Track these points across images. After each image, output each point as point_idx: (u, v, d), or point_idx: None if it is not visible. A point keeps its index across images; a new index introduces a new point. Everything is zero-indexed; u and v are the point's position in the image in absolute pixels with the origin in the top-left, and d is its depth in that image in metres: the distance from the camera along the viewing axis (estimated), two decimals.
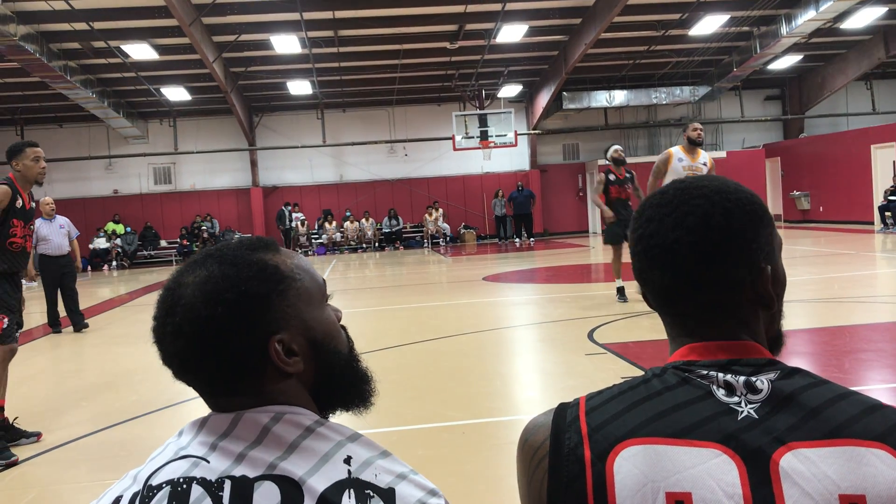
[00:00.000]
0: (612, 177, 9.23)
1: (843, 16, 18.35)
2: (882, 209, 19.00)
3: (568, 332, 7.51)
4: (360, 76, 22.06)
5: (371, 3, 16.41)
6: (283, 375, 0.93)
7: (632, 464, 0.86)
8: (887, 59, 22.13)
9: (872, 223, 19.62)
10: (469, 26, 18.16)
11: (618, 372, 5.56)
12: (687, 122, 7.23)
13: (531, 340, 7.64)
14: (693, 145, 7.11)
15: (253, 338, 0.91)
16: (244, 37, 17.54)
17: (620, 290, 9.12)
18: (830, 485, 0.82)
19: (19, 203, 4.85)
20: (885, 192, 19.13)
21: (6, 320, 4.82)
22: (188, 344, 0.91)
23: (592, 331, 7.30)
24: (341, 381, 0.99)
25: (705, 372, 0.90)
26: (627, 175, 9.29)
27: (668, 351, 0.99)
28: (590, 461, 0.88)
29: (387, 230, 24.58)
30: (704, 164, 7.17)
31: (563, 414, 0.94)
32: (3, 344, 4.84)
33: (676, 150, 7.16)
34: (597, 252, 18.94)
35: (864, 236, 17.41)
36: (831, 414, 0.86)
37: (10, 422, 4.86)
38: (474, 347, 7.15)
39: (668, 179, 6.86)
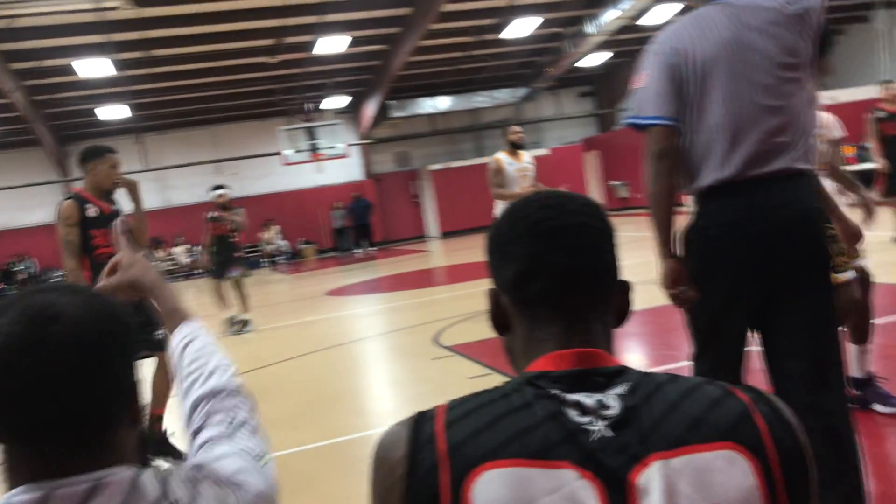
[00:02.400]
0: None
1: (643, 13, 19.60)
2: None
3: (414, 339, 7.56)
4: (178, 96, 21.28)
5: (182, 22, 15.85)
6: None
7: (491, 488, 0.83)
8: None
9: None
10: (288, 39, 17.92)
11: (464, 373, 5.65)
12: (507, 125, 7.44)
13: (378, 351, 7.63)
14: (515, 148, 7.34)
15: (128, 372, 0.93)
16: (47, 62, 16.46)
17: None
18: (686, 501, 0.82)
19: (92, 212, 4.36)
20: None
21: None
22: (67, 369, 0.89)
23: (437, 334, 7.38)
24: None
25: (556, 392, 0.89)
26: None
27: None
28: (448, 485, 0.84)
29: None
30: (529, 164, 7.42)
31: (421, 428, 0.89)
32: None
33: (503, 156, 7.37)
34: (437, 255, 19.22)
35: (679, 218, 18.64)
36: (678, 418, 0.86)
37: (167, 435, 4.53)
38: (322, 366, 7.05)
39: (510, 186, 7.04)
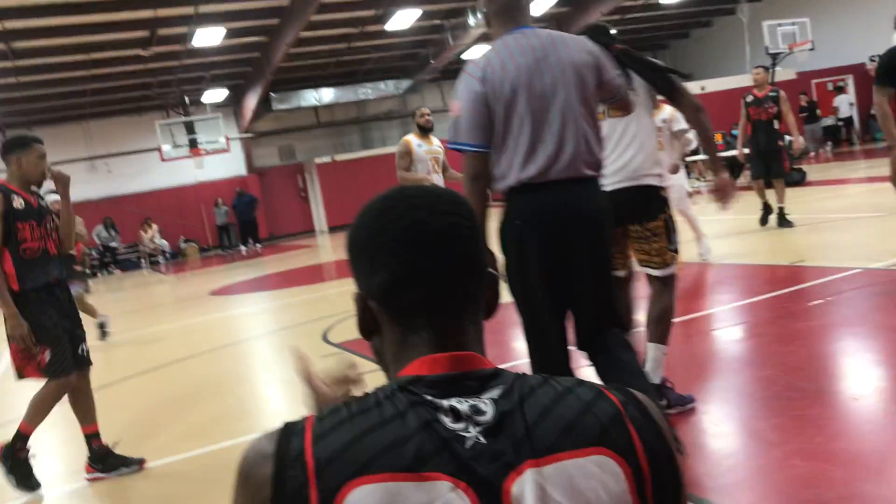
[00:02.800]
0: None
1: None
2: None
3: (303, 337, 7.46)
4: (45, 91, 20.19)
5: (47, 12, 15.03)
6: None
7: None
8: None
9: None
10: (162, 31, 17.29)
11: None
12: (415, 110, 7.24)
13: (266, 351, 7.49)
14: (424, 132, 7.20)
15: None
16: None
17: None
18: None
19: (19, 203, 4.03)
20: None
21: (48, 353, 3.99)
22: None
23: (326, 331, 7.31)
24: None
25: (430, 398, 0.87)
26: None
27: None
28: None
29: (106, 243, 22.47)
30: (439, 147, 7.28)
31: (288, 444, 0.85)
32: (54, 378, 4.00)
33: (412, 138, 7.24)
34: (325, 250, 19.03)
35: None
36: (552, 423, 0.86)
37: (110, 447, 4.23)
38: (206, 369, 6.86)
39: (416, 168, 6.88)
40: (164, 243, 23.48)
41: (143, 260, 23.04)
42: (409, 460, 0.82)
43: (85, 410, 4.26)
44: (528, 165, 2.66)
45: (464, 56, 23.80)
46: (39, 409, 4.06)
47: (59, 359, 4.03)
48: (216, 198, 23.89)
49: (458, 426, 0.85)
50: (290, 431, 0.86)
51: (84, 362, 4.25)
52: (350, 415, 0.86)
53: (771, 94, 9.23)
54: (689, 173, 14.53)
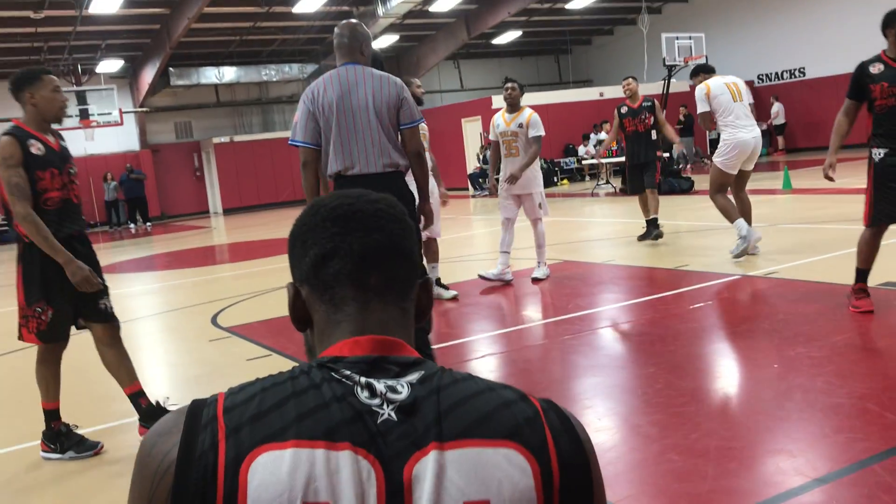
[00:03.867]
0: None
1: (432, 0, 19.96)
2: (473, 176, 21.19)
3: (191, 320, 7.28)
4: None
5: None
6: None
7: (269, 471, 0.80)
8: (469, 41, 24.60)
9: (467, 188, 21.81)
10: None
11: (243, 355, 5.52)
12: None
13: (152, 332, 7.26)
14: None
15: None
16: None
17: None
18: (456, 492, 0.82)
19: (37, 148, 3.66)
20: (478, 157, 21.36)
21: (50, 313, 3.71)
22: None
23: (216, 315, 7.15)
24: None
25: (348, 372, 0.88)
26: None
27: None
28: (223, 467, 0.80)
29: None
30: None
31: (198, 414, 0.85)
32: (49, 342, 3.80)
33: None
34: (219, 232, 18.57)
35: (462, 201, 19.30)
36: (464, 413, 0.86)
37: (70, 428, 3.95)
38: (88, 347, 6.59)
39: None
40: None
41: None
42: (319, 430, 0.82)
43: (124, 370, 4.06)
44: (337, 161, 3.85)
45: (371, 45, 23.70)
46: (45, 382, 3.92)
47: (59, 322, 3.80)
48: (106, 172, 22.94)
49: (373, 402, 0.86)
50: (199, 405, 0.87)
51: (107, 317, 3.99)
52: (262, 388, 0.87)
53: (645, 104, 8.93)
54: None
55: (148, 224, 22.36)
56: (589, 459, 0.90)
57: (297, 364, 0.92)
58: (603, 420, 3.75)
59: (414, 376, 0.89)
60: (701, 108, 7.34)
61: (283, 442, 0.81)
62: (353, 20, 4.07)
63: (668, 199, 14.07)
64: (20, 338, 3.88)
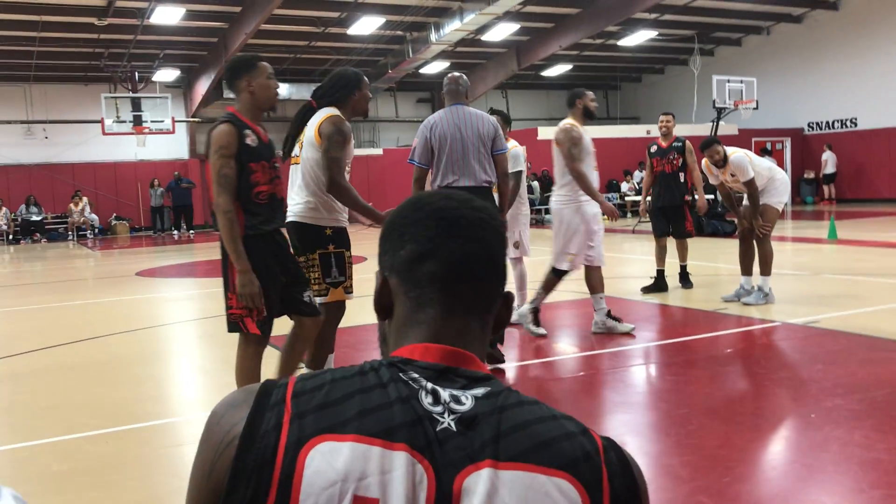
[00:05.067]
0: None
1: (483, 29, 20.15)
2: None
3: (226, 327, 7.34)
4: None
5: None
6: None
7: (326, 460, 0.81)
8: (519, 72, 24.74)
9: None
10: (120, 3, 16.96)
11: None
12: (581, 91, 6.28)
13: (188, 338, 7.35)
14: (589, 118, 6.32)
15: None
16: None
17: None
18: None
19: (252, 139, 3.62)
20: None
21: (266, 305, 3.66)
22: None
23: None
24: None
25: (416, 375, 0.89)
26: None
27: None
28: (283, 448, 0.82)
29: (27, 218, 22.00)
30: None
31: (269, 394, 0.87)
32: (263, 333, 3.75)
33: (577, 126, 6.25)
34: None
35: None
36: (525, 436, 0.86)
37: None
38: (124, 349, 6.70)
39: (586, 161, 6.12)
40: (95, 218, 22.88)
41: (69, 232, 22.38)
42: (380, 427, 0.84)
43: (294, 362, 4.04)
44: (448, 176, 4.95)
45: (421, 70, 23.93)
46: (250, 378, 3.83)
47: (269, 316, 3.74)
48: (153, 178, 23.38)
49: (436, 409, 0.86)
50: (271, 385, 0.89)
51: (311, 311, 3.93)
52: (333, 378, 0.89)
53: (675, 143, 8.38)
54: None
55: (191, 231, 22.70)
56: (642, 502, 0.90)
57: (370, 360, 0.93)
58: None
59: (480, 391, 0.90)
60: (748, 175, 6.97)
61: (343, 434, 0.83)
62: (458, 73, 5.21)
63: (710, 241, 13.94)
64: (234, 330, 3.79)
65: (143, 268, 13.64)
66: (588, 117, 6.26)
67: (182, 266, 14.19)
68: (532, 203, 18.73)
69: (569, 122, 6.18)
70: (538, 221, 20.36)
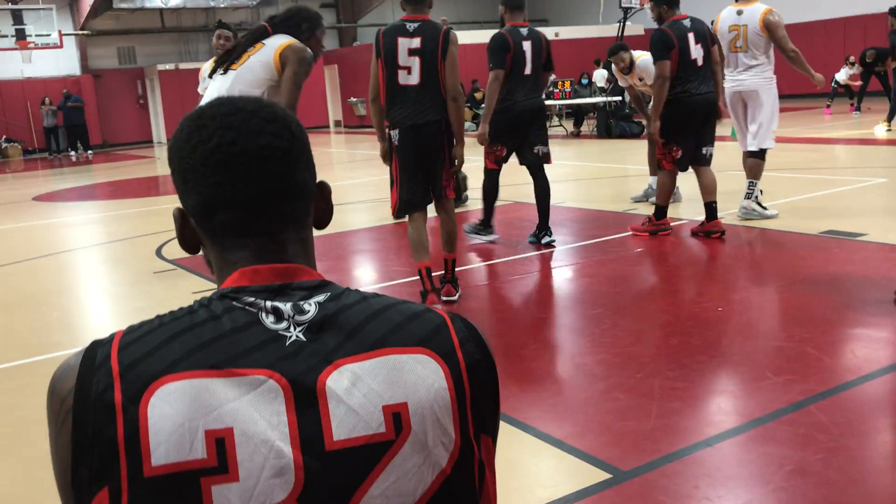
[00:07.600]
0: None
1: None
2: None
3: (135, 251, 7.13)
4: None
5: None
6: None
7: (168, 403, 0.78)
8: None
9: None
10: None
11: (188, 287, 5.44)
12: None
13: (94, 263, 7.10)
14: None
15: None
16: None
17: None
18: (375, 397, 0.84)
19: None
20: None
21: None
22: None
23: (161, 247, 7.01)
24: None
25: (252, 299, 0.86)
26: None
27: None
28: (121, 405, 0.78)
29: None
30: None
31: (93, 355, 0.83)
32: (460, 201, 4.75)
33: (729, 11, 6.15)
34: (163, 162, 18.13)
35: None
36: (376, 326, 0.88)
37: None
38: (27, 278, 6.43)
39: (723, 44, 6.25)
40: None
41: None
42: (220, 358, 0.82)
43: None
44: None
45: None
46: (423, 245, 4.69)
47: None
48: (44, 97, 22.08)
49: (279, 326, 0.85)
50: (97, 344, 0.85)
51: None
52: (160, 323, 0.86)
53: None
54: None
55: (89, 152, 21.68)
56: (493, 360, 0.94)
57: (199, 298, 0.89)
58: (550, 359, 3.80)
59: (321, 297, 0.89)
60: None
61: (179, 373, 0.80)
62: None
63: (618, 143, 14.15)
64: (447, 196, 4.65)
65: (41, 192, 13.01)
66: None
67: (82, 189, 13.62)
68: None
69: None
70: None
